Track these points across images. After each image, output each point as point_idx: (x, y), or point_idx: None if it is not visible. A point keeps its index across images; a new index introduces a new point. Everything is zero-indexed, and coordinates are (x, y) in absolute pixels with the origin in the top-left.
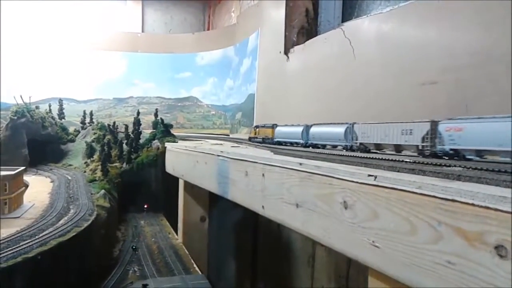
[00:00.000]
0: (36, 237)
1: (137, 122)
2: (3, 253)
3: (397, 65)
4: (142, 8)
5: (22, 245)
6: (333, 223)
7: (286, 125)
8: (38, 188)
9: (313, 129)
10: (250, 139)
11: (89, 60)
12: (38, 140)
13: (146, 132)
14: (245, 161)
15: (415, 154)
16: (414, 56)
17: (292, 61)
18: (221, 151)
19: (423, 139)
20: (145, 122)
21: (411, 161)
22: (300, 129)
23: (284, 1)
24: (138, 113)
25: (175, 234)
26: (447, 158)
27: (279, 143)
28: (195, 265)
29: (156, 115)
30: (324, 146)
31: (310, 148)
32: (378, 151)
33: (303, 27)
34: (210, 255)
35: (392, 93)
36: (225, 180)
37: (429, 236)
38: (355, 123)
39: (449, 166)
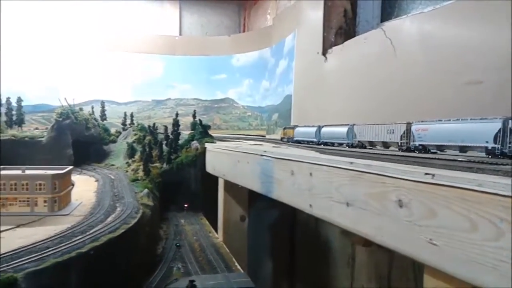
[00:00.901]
0: (87, 233)
1: (176, 123)
2: (58, 248)
3: (441, 64)
4: (179, 11)
5: (74, 240)
6: (386, 221)
7: (304, 126)
8: (84, 187)
9: (323, 130)
10: (281, 139)
11: (128, 63)
12: (81, 141)
13: (184, 133)
14: (291, 161)
15: (397, 149)
16: (458, 56)
17: (330, 62)
18: (265, 151)
19: (401, 137)
20: (183, 123)
21: (467, 159)
22: (313, 129)
23: (322, 2)
24: (177, 114)
25: (215, 233)
26: (417, 152)
27: (298, 141)
28: (236, 263)
29: (194, 116)
30: (332, 144)
31: (322, 145)
32: (372, 147)
33: (341, 27)
34: (249, 254)
35: (436, 92)
36: (269, 179)
37: (490, 233)
38: (354, 124)
39: (506, 164)
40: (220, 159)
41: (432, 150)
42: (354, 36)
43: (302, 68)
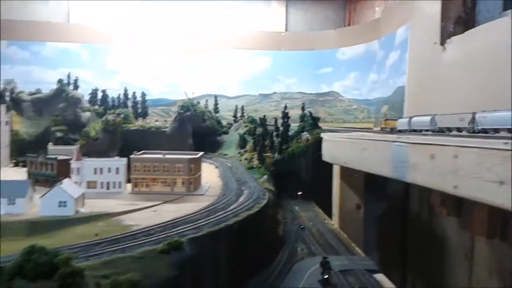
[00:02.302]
0: (227, 209)
1: (285, 116)
2: (208, 220)
3: None
4: (286, 8)
5: (219, 215)
6: None
7: (404, 118)
8: (207, 173)
9: (413, 119)
10: (381, 129)
11: (237, 59)
12: (198, 132)
13: (293, 125)
14: (430, 145)
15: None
16: None
17: (449, 52)
18: (398, 137)
19: (468, 123)
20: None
21: None
22: (407, 120)
23: None
24: (285, 107)
25: (329, 220)
26: (479, 133)
27: (400, 131)
28: (357, 248)
29: (303, 108)
30: (420, 131)
31: (412, 132)
32: (449, 132)
33: (460, 17)
34: (364, 241)
35: None
36: (402, 164)
37: None
38: (436, 114)
39: None
40: (341, 148)
41: (490, 133)
42: (474, 25)
43: (417, 59)
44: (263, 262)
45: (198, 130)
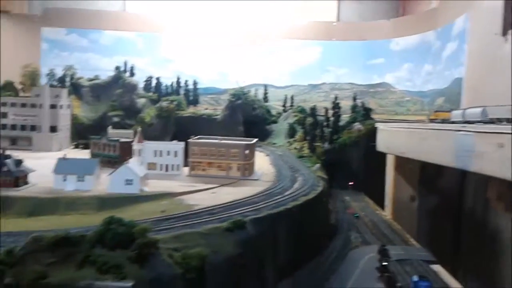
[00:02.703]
0: (284, 194)
1: (336, 106)
2: (266, 203)
3: None
4: None
5: (276, 199)
6: None
7: (458, 110)
8: (258, 160)
9: (467, 111)
10: (431, 120)
11: (287, 49)
12: (248, 120)
13: (344, 116)
14: (499, 134)
15: None
16: None
17: None
18: (463, 126)
19: None
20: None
21: None
22: (460, 111)
23: None
24: (336, 98)
25: (381, 211)
26: None
27: (453, 122)
28: (411, 239)
29: (354, 99)
30: (473, 122)
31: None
32: (500, 122)
33: None
34: (418, 234)
35: None
36: (466, 153)
37: None
38: (486, 106)
39: None
40: (398, 138)
41: None
42: None
43: (476, 50)
44: (319, 246)
45: (248, 118)
